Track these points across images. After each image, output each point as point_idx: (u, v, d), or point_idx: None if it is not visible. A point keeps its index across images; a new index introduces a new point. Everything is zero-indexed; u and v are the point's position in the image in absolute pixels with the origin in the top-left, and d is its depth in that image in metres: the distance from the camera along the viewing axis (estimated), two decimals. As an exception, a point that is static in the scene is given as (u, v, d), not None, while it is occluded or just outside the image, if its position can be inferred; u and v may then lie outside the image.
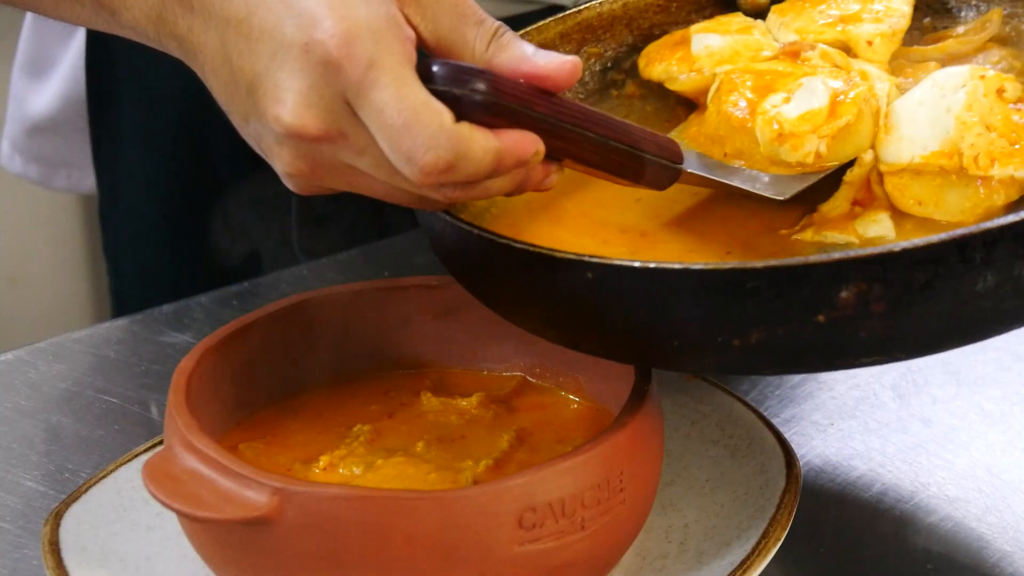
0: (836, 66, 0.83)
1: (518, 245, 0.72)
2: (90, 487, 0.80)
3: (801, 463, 0.80)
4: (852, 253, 0.66)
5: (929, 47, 0.89)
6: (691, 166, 0.80)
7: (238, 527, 0.69)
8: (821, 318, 0.68)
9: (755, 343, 0.69)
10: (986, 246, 0.66)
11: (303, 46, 0.68)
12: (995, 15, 0.91)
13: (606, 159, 0.75)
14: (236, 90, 0.71)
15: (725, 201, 0.83)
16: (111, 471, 0.82)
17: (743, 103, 0.82)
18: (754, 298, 0.67)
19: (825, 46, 0.85)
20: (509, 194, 0.74)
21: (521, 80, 0.72)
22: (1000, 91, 0.78)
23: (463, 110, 0.69)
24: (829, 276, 0.67)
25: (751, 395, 0.91)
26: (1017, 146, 0.77)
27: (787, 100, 0.81)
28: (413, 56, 0.69)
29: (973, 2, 0.93)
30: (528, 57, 0.72)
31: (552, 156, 0.73)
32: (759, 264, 0.67)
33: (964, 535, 0.81)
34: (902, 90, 0.83)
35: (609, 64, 0.95)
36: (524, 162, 0.70)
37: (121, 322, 1.05)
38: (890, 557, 0.79)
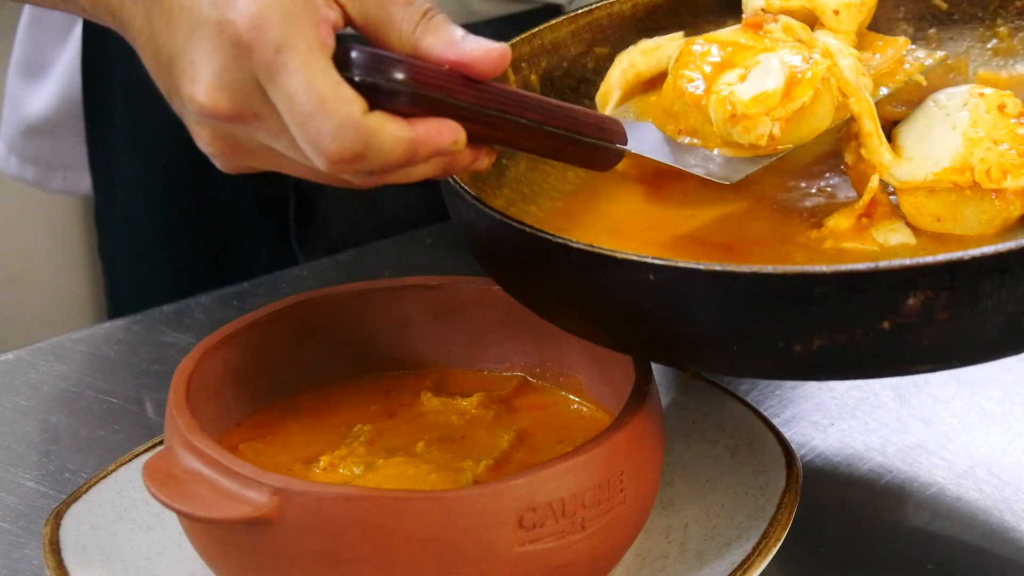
0: (799, 40, 0.82)
1: (576, 245, 0.71)
2: (90, 487, 0.80)
3: (801, 463, 0.80)
4: (922, 260, 0.66)
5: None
6: (641, 145, 0.79)
7: (238, 527, 0.69)
8: (886, 325, 0.67)
9: (816, 349, 0.68)
10: None
11: (216, 25, 0.67)
12: None
13: (540, 144, 0.74)
14: (159, 66, 0.71)
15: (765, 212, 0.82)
16: (111, 471, 0.82)
17: (699, 79, 0.81)
18: (820, 304, 0.67)
19: (789, 18, 0.83)
20: (435, 178, 0.72)
21: (446, 66, 0.70)
22: (1001, 107, 0.78)
23: (380, 99, 0.68)
24: (898, 282, 0.66)
25: (751, 395, 0.91)
26: None
27: (742, 79, 0.79)
28: (328, 41, 0.68)
29: (979, 14, 0.93)
30: (456, 42, 0.70)
31: (481, 141, 0.72)
32: (827, 269, 0.66)
33: (965, 535, 0.81)
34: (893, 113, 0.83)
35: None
36: (442, 151, 0.69)
37: (121, 322, 1.05)
38: (890, 557, 0.79)
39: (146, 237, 1.26)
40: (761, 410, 0.84)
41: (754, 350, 0.70)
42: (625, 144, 0.78)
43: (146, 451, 0.83)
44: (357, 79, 0.67)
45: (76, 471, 0.88)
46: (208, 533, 0.72)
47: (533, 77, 0.91)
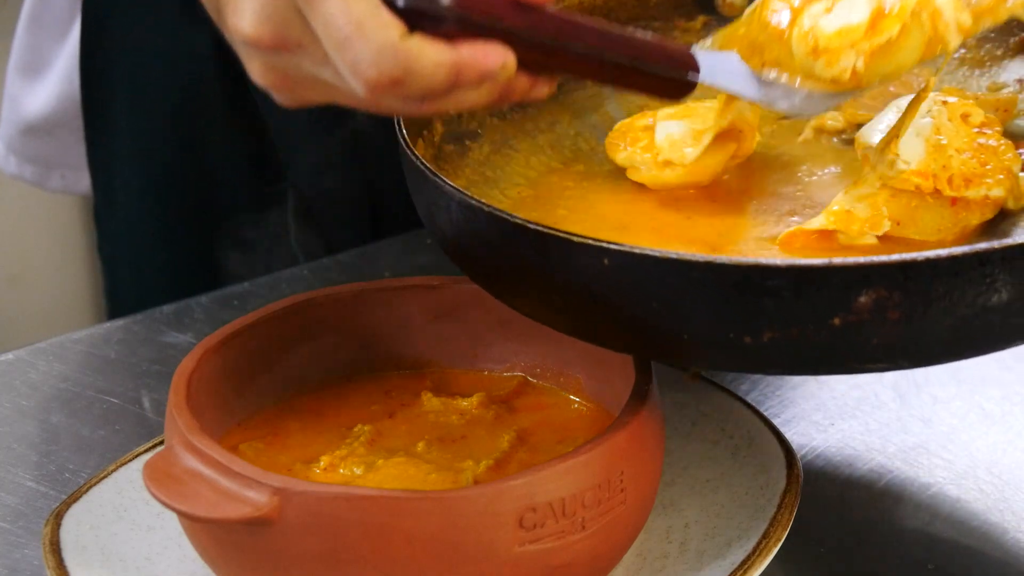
0: None
1: (534, 226, 0.71)
2: (90, 487, 0.80)
3: (802, 463, 0.80)
4: (876, 259, 0.66)
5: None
6: (717, 77, 0.77)
7: (238, 527, 0.69)
8: (836, 321, 0.67)
9: (767, 342, 0.68)
10: (1005, 261, 0.66)
11: None
12: None
13: (600, 72, 0.73)
14: (210, 3, 0.71)
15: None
16: (111, 471, 0.82)
17: (785, 10, 0.79)
18: (772, 297, 0.67)
19: None
20: (491, 106, 0.71)
21: None
22: (965, 116, 0.78)
23: (424, 24, 0.66)
24: (851, 279, 0.66)
25: (752, 395, 0.91)
26: (989, 166, 0.77)
27: (828, 11, 0.77)
28: None
29: None
30: None
31: (538, 68, 0.70)
32: (781, 262, 0.67)
33: (965, 536, 0.81)
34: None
35: None
36: (489, 75, 0.68)
37: (121, 322, 1.05)
38: (891, 557, 0.79)
39: (145, 237, 1.26)
40: (761, 410, 0.84)
41: (705, 341, 0.70)
42: (696, 74, 0.76)
43: (146, 451, 0.83)
44: (400, 4, 0.66)
45: (76, 471, 0.88)
46: (208, 533, 0.72)
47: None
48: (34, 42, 1.31)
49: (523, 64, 0.69)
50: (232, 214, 1.23)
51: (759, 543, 0.74)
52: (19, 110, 1.33)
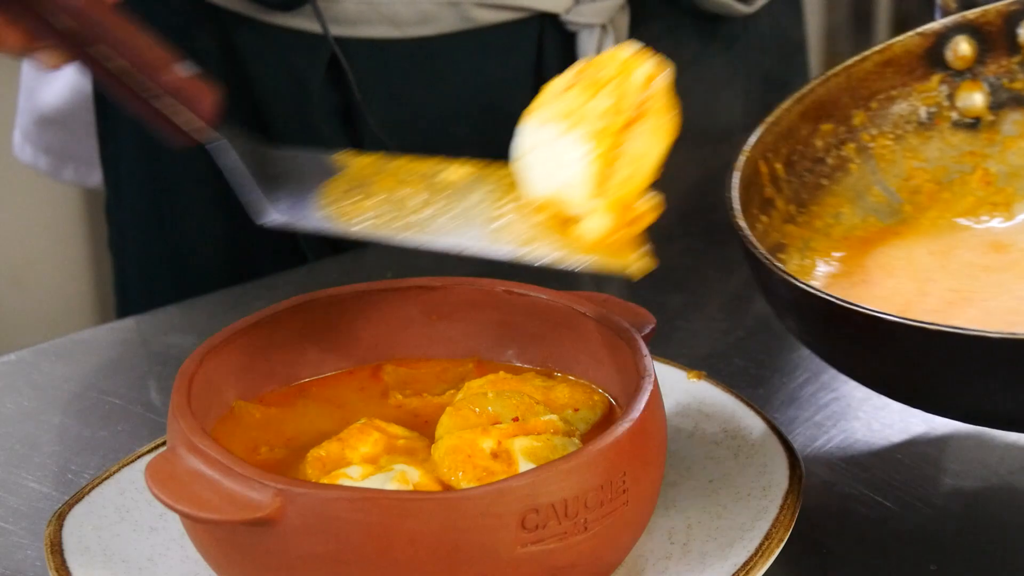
0: None
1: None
2: (93, 488, 0.80)
3: (804, 464, 0.80)
4: None
5: None
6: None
7: (240, 528, 0.69)
8: None
9: None
10: None
11: None
12: None
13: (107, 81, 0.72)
14: None
15: None
16: (114, 472, 0.82)
17: None
18: None
19: None
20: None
21: None
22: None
23: None
24: None
25: (754, 396, 0.91)
26: None
27: None
28: None
29: None
30: None
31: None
32: None
33: (968, 536, 0.81)
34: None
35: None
36: None
37: (125, 323, 1.05)
38: (892, 558, 0.79)
39: (152, 233, 1.26)
40: (764, 411, 0.84)
41: None
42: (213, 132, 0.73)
43: (149, 452, 0.83)
44: None
45: (79, 472, 0.88)
46: (210, 534, 0.72)
47: (778, 166, 0.92)
48: None
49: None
50: (238, 213, 1.23)
51: (761, 544, 0.74)
52: (34, 100, 1.34)
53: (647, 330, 0.81)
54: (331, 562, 0.69)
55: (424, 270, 0.86)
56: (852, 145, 0.96)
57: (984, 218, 0.95)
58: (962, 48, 0.96)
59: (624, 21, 1.19)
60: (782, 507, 0.77)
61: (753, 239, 0.83)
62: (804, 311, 0.81)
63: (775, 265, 0.80)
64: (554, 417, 0.76)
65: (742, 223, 0.84)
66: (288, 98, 1.17)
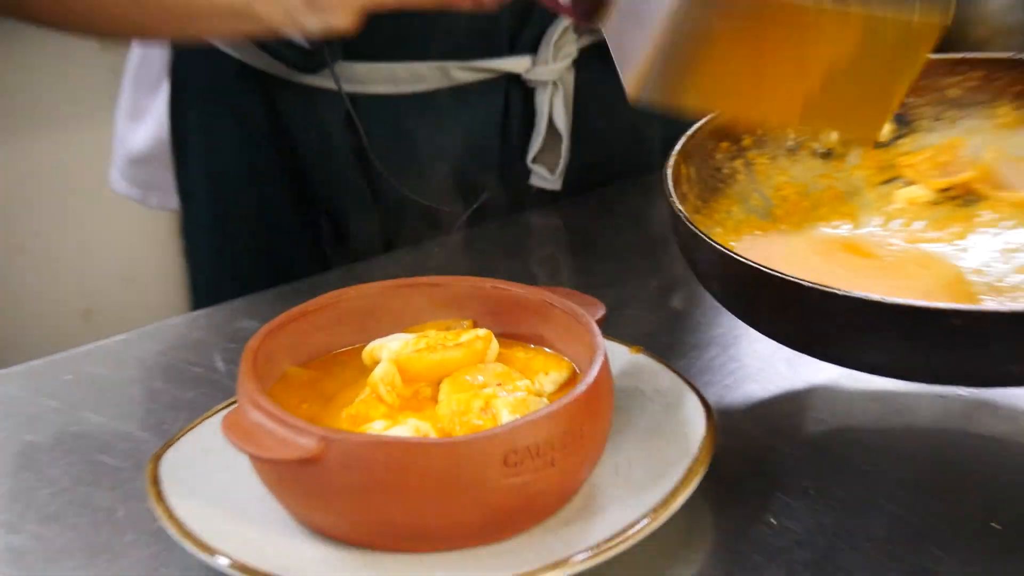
0: None
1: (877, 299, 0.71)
2: (182, 436, 0.80)
3: (716, 415, 0.80)
4: None
5: None
6: None
7: (293, 466, 0.69)
8: None
9: None
10: None
11: None
12: None
13: None
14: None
15: None
16: (197, 424, 0.81)
17: None
18: None
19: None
20: None
21: None
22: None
23: None
24: None
25: (679, 366, 0.90)
26: None
27: None
28: None
29: None
30: None
31: None
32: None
33: (832, 463, 0.81)
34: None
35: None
36: None
37: (204, 312, 1.05)
38: (780, 483, 0.79)
39: (216, 247, 1.26)
40: (687, 376, 0.84)
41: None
42: None
43: (223, 408, 0.83)
44: None
45: (171, 424, 0.88)
46: (271, 470, 0.72)
47: (691, 170, 0.91)
48: (135, 93, 1.31)
49: None
50: (280, 233, 1.23)
51: (684, 476, 0.74)
52: (126, 145, 1.33)
53: (599, 315, 0.81)
54: (361, 491, 0.69)
55: (435, 271, 0.85)
56: (740, 160, 0.95)
57: (836, 223, 0.95)
58: None
59: (571, 78, 1.18)
60: (700, 448, 0.77)
61: (686, 213, 0.82)
62: (728, 275, 0.79)
63: (704, 235, 0.79)
64: (527, 382, 0.76)
65: (676, 203, 0.83)
66: (316, 143, 1.16)
